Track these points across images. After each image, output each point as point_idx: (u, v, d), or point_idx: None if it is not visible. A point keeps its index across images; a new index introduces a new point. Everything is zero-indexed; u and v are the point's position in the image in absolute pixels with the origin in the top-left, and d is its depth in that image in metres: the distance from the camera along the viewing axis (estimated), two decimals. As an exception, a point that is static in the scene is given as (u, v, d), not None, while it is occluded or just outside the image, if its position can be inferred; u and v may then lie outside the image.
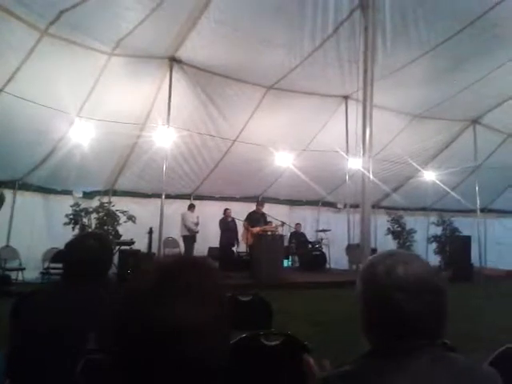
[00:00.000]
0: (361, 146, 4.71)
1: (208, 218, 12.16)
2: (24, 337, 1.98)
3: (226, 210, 12.13)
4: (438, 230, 14.08)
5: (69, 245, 2.11)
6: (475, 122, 12.31)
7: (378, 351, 1.13)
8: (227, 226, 11.82)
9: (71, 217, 9.87)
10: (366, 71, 4.84)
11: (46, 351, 1.78)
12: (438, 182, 13.04)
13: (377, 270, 1.15)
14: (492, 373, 1.13)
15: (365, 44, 4.98)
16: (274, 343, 2.24)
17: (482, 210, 13.27)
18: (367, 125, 4.65)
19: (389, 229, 13.71)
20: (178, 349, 0.75)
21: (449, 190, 13.20)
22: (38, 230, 10.12)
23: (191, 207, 12.10)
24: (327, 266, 13.15)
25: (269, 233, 10.99)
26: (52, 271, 8.93)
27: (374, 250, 7.03)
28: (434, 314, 1.11)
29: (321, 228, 14.18)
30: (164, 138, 9.25)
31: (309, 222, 14.89)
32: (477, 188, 12.34)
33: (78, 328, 1.78)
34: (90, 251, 2.07)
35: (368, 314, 1.17)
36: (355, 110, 7.77)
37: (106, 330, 0.90)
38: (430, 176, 13.34)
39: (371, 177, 4.53)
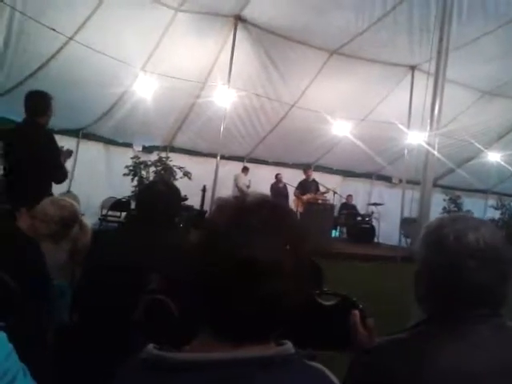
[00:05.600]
0: (427, 120, 4.48)
1: (259, 181, 12.19)
2: (91, 273, 2.09)
3: (277, 175, 12.12)
4: (496, 214, 13.49)
5: (141, 190, 2.21)
6: (548, 103, 11.53)
7: (436, 319, 1.10)
8: (278, 191, 11.81)
9: (131, 168, 10.18)
10: (441, 40, 4.57)
11: (112, 289, 1.85)
12: (503, 163, 12.38)
13: (444, 233, 1.10)
14: None
15: (442, 10, 4.70)
16: (329, 303, 2.24)
17: (546, 197, 12.61)
18: (437, 98, 4.41)
19: (445, 208, 13.26)
20: (256, 284, 0.76)
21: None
22: (98, 179, 10.46)
23: (245, 170, 12.18)
24: (375, 240, 12.98)
25: (319, 201, 10.92)
26: (109, 218, 9.32)
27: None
28: (501, 283, 1.07)
29: (372, 201, 13.94)
30: (223, 98, 9.22)
31: (360, 194, 14.57)
32: (543, 173, 11.70)
33: (144, 268, 1.85)
34: (160, 196, 2.13)
35: (430, 279, 1.13)
36: (421, 81, 7.44)
37: (184, 264, 0.92)
38: (493, 157, 12.67)
39: (436, 153, 4.34)
